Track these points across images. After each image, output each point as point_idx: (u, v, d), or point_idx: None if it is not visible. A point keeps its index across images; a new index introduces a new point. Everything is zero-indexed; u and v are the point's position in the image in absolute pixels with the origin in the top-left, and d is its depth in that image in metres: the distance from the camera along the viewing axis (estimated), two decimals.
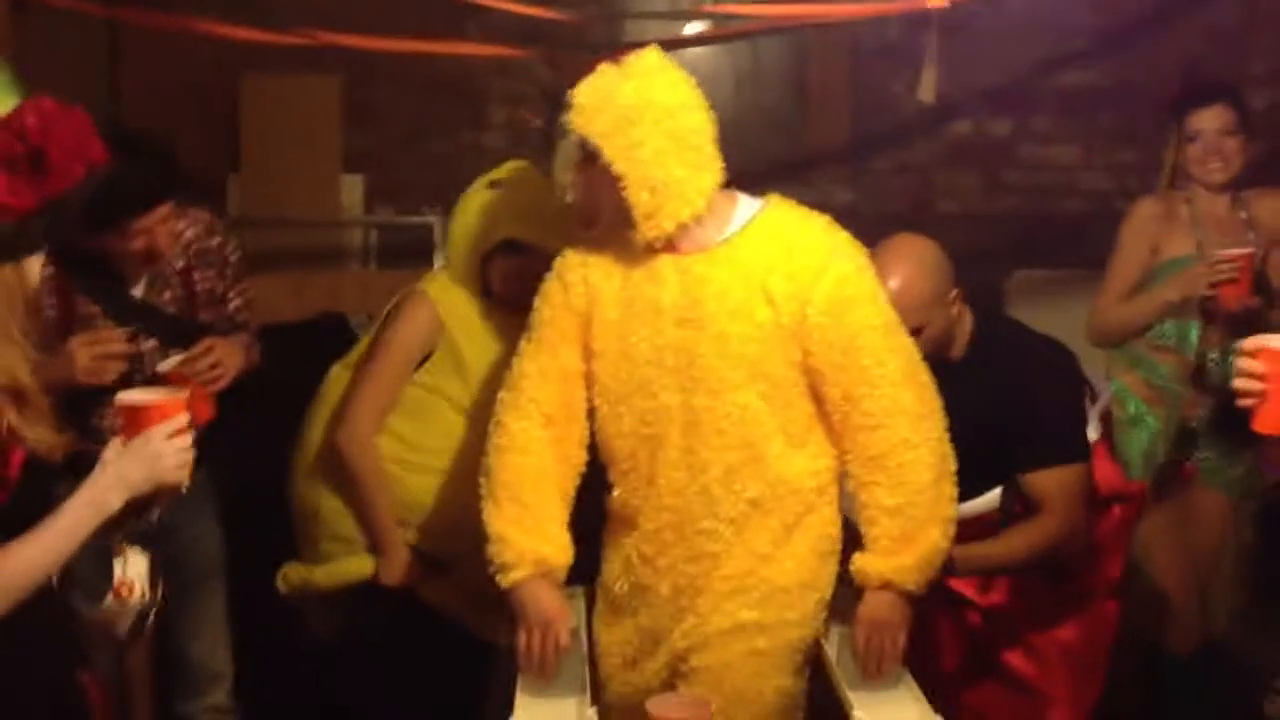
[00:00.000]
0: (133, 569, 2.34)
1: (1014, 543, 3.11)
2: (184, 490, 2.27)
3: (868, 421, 2.72)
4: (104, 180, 2.76)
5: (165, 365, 3.23)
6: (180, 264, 3.37)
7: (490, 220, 3.37)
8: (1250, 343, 2.24)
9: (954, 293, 3.09)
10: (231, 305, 3.50)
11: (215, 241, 3.46)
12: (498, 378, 3.24)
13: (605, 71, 2.69)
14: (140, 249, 3.20)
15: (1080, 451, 3.16)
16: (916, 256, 3.05)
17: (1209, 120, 3.87)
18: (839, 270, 2.72)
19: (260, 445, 3.58)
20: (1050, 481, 3.09)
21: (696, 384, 2.72)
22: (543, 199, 3.37)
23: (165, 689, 3.60)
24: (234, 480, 3.59)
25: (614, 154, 2.64)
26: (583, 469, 2.86)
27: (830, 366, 2.72)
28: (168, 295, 3.36)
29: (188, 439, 2.24)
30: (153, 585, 2.38)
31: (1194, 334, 3.87)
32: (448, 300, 3.41)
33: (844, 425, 2.75)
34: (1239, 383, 2.24)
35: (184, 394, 2.34)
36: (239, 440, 3.54)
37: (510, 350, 3.23)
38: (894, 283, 2.95)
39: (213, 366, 3.25)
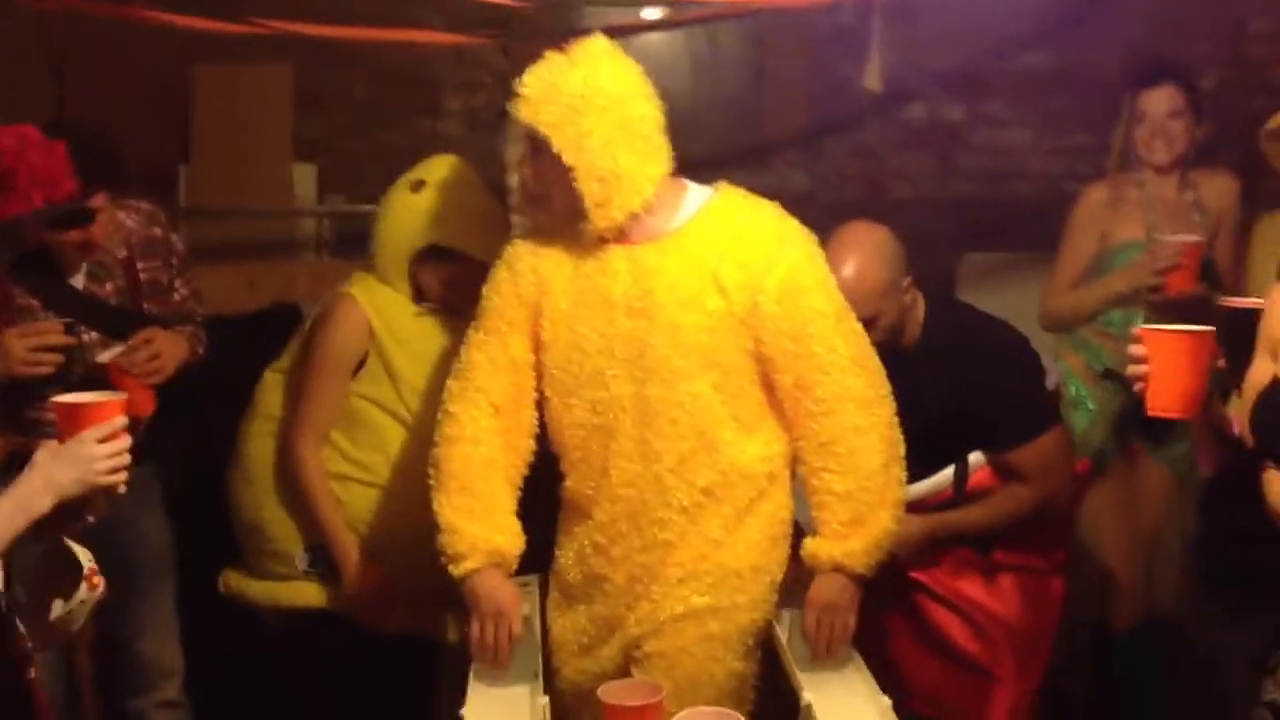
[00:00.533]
0: (91, 561, 2.33)
1: (990, 509, 3.17)
2: (120, 492, 2.25)
3: (819, 408, 2.73)
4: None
5: (104, 356, 3.20)
6: (122, 254, 3.34)
7: (415, 225, 3.31)
8: (1138, 328, 2.28)
9: (907, 280, 3.10)
10: (177, 295, 3.47)
11: (158, 231, 3.43)
12: (430, 381, 3.26)
13: (551, 60, 2.68)
14: (75, 239, 3.18)
15: (1048, 419, 3.21)
16: (872, 245, 3.06)
17: (1157, 101, 3.88)
18: (790, 258, 2.72)
19: (212, 437, 3.56)
20: (1027, 456, 3.14)
21: (649, 374, 2.72)
22: (469, 199, 3.33)
23: (114, 686, 3.57)
24: (185, 473, 3.56)
25: (563, 144, 2.63)
26: (530, 458, 2.86)
27: (782, 354, 2.73)
28: (109, 286, 3.33)
29: (123, 442, 2.22)
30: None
31: (1138, 323, 3.86)
32: (375, 303, 3.35)
33: (795, 412, 2.76)
34: (1129, 369, 2.28)
35: (121, 396, 2.32)
36: (190, 432, 3.53)
37: (440, 353, 3.27)
38: (848, 271, 2.96)
39: (153, 358, 3.22)
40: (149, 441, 3.30)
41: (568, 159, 2.64)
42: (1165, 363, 2.23)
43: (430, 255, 3.32)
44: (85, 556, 2.35)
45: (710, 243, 2.73)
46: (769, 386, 2.79)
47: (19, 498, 2.14)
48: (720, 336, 2.72)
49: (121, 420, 2.23)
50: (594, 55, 2.69)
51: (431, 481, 2.83)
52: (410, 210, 3.33)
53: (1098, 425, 3.91)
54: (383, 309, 3.35)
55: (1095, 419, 3.92)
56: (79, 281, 3.30)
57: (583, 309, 2.76)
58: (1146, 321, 3.80)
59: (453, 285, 3.32)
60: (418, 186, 3.34)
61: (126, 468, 2.24)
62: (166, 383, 3.29)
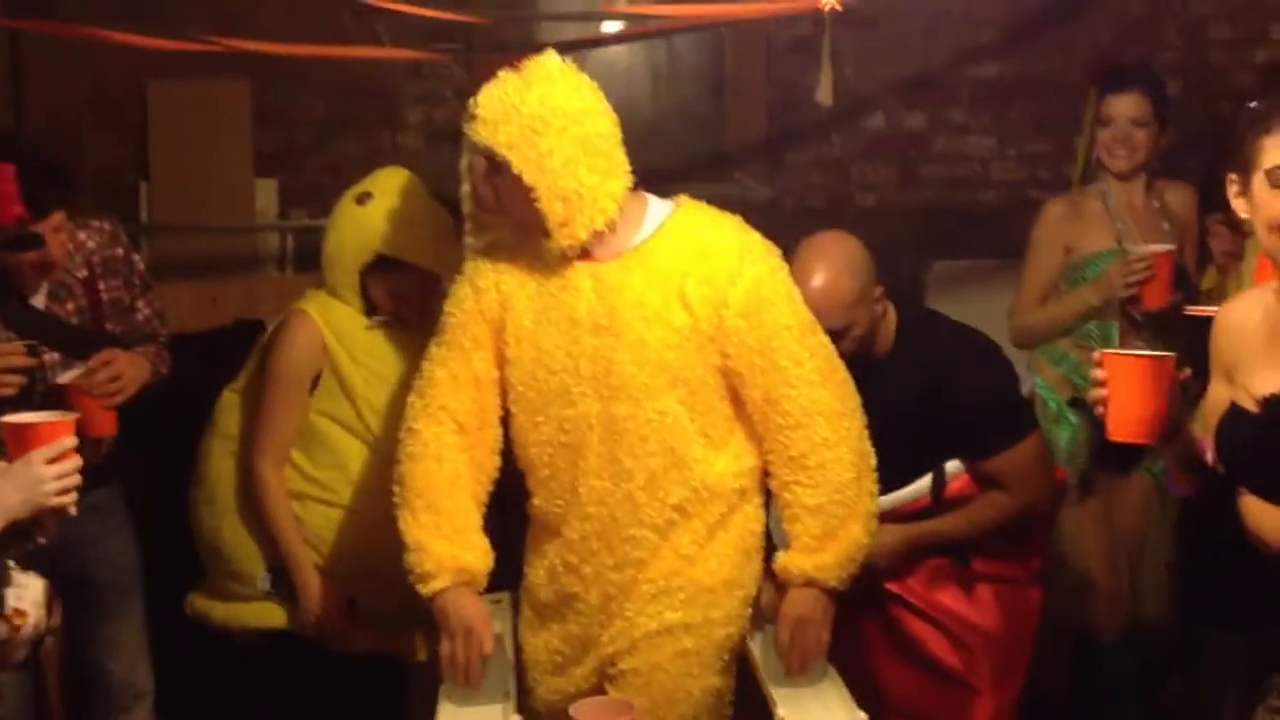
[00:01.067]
0: (28, 596, 2.26)
1: (970, 517, 3.16)
2: (71, 514, 2.21)
3: (787, 422, 2.72)
4: None
5: (65, 377, 3.17)
6: (83, 274, 3.31)
7: (362, 237, 3.28)
8: (1098, 352, 2.27)
9: (878, 290, 3.09)
10: (140, 315, 3.44)
11: (119, 251, 3.40)
12: (386, 397, 3.25)
13: (505, 79, 2.65)
14: (33, 259, 3.14)
15: (1024, 427, 3.20)
16: (842, 255, 3.04)
17: (1123, 108, 3.85)
18: (753, 273, 2.71)
19: (177, 456, 3.53)
20: (1004, 465, 3.13)
21: (615, 392, 2.71)
22: (416, 210, 3.30)
23: (85, 709, 3.52)
24: (149, 493, 3.52)
25: (523, 166, 2.61)
26: (495, 475, 2.84)
27: (749, 369, 2.72)
28: (70, 306, 3.29)
29: (73, 463, 2.19)
30: (49, 610, 2.29)
31: (1115, 334, 3.83)
32: (329, 318, 3.33)
33: (765, 426, 2.76)
34: (1090, 393, 2.27)
35: (72, 416, 2.29)
36: (155, 451, 3.49)
37: (395, 368, 3.26)
38: (818, 282, 2.96)
39: (113, 379, 3.19)
40: (113, 461, 3.27)
41: (529, 179, 2.62)
42: (1125, 388, 2.21)
43: (379, 267, 3.30)
44: (14, 593, 2.29)
45: (674, 259, 2.71)
46: (737, 402, 2.78)
47: None
48: (686, 353, 2.71)
49: (70, 441, 2.20)
50: (548, 73, 2.67)
51: (396, 500, 2.81)
52: (357, 222, 3.30)
53: (1080, 438, 3.88)
54: (337, 325, 3.33)
55: (1077, 432, 3.88)
56: (40, 301, 3.26)
57: (547, 326, 2.74)
58: (1122, 333, 3.80)
59: (403, 297, 3.31)
60: (364, 199, 3.32)
61: (77, 489, 2.19)
62: (128, 403, 3.25)
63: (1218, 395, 2.34)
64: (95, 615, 3.34)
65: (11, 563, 2.21)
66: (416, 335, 3.21)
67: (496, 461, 2.85)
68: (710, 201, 2.85)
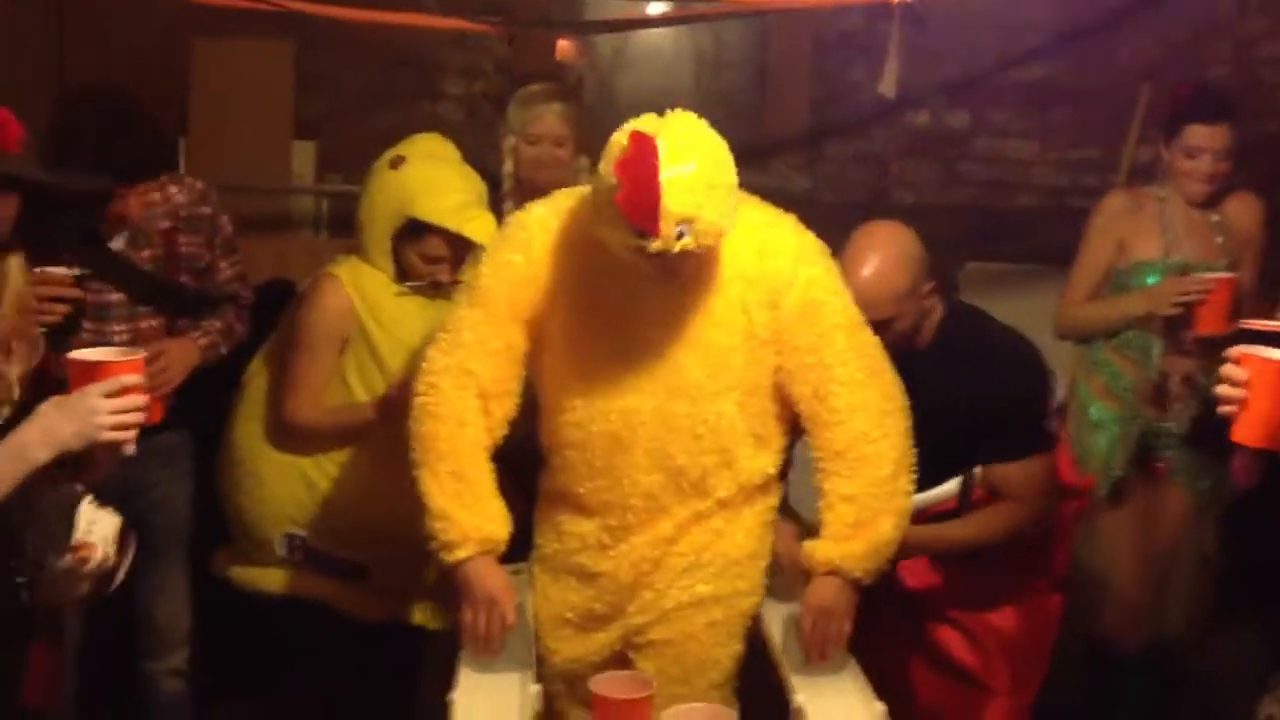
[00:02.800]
0: (98, 531, 2.23)
1: (974, 526, 3.13)
2: (127, 452, 2.19)
3: (834, 418, 2.72)
4: (101, 145, 2.72)
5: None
6: (165, 225, 3.34)
7: (396, 201, 3.27)
8: (1236, 349, 2.21)
9: (928, 286, 3.05)
10: (222, 275, 3.48)
11: (206, 210, 3.44)
12: (412, 367, 3.19)
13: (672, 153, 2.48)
14: (112, 213, 3.20)
15: (1043, 443, 3.16)
16: (896, 247, 3.01)
17: (1212, 140, 3.74)
18: (807, 274, 2.71)
19: (205, 413, 3.53)
20: (1014, 473, 3.10)
21: (674, 391, 2.70)
22: (449, 174, 3.30)
23: (129, 648, 3.54)
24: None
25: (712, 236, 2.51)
26: (499, 444, 2.80)
27: (799, 367, 2.72)
28: (146, 253, 3.33)
29: (131, 400, 2.15)
30: (121, 549, 2.27)
31: (1155, 351, 3.80)
32: (358, 283, 3.32)
33: (812, 422, 2.75)
34: (1221, 389, 2.19)
35: (140, 355, 2.25)
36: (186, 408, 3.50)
37: (422, 336, 3.18)
38: (868, 271, 2.93)
39: (162, 371, 3.22)
40: (181, 409, 3.32)
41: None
42: (1269, 391, 2.15)
43: (412, 231, 3.28)
44: (90, 527, 2.27)
45: (735, 260, 2.69)
46: (781, 401, 2.78)
47: (14, 446, 2.09)
48: (745, 356, 2.71)
49: (132, 379, 2.16)
50: (700, 129, 2.55)
51: (416, 459, 2.76)
52: (391, 186, 3.29)
53: (1120, 447, 3.85)
54: (366, 290, 3.32)
55: (1117, 441, 3.85)
56: (119, 244, 3.30)
57: (604, 317, 2.72)
58: (1168, 353, 3.76)
59: (437, 261, 3.29)
60: (397, 163, 3.31)
61: (135, 426, 2.17)
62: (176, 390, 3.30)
63: None
64: (149, 558, 3.32)
65: (90, 497, 2.19)
66: (445, 304, 3.20)
67: (505, 431, 2.81)
68: (748, 190, 2.82)
